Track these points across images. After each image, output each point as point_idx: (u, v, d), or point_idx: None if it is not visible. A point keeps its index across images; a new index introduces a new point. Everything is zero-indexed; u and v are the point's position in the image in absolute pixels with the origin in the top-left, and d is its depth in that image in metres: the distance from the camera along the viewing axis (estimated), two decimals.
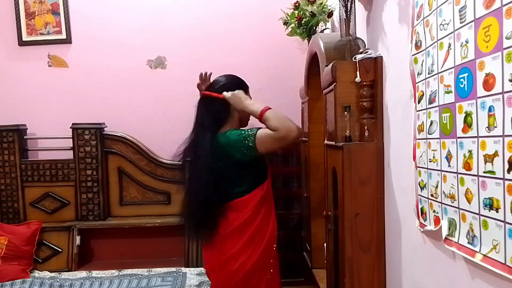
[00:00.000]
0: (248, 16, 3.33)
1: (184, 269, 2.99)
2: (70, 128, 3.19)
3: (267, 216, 1.92)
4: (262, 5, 3.29)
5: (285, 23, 2.78)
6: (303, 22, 2.61)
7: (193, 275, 2.88)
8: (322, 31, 2.59)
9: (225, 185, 1.93)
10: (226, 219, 1.89)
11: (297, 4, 2.68)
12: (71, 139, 3.20)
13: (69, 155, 3.24)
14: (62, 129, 3.24)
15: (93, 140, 3.19)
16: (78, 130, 3.19)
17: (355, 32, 1.77)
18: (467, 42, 1.01)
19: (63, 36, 3.33)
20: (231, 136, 1.85)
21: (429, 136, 1.24)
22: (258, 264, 1.87)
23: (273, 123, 1.76)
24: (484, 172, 0.95)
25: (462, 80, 1.03)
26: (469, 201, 1.02)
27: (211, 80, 2.12)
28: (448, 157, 1.12)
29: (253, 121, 2.13)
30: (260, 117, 1.82)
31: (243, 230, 1.88)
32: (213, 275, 1.98)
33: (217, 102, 1.95)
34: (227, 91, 1.94)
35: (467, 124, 1.02)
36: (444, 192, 1.15)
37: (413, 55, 1.34)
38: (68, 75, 3.38)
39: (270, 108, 1.83)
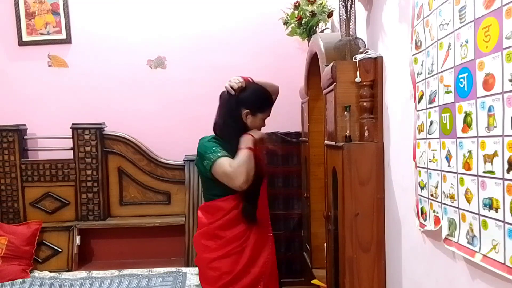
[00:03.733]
0: (248, 16, 3.33)
1: (184, 269, 2.99)
2: (70, 128, 3.19)
3: (245, 233, 1.93)
4: (262, 5, 3.29)
5: (285, 23, 2.77)
6: (303, 22, 2.61)
7: (193, 275, 2.88)
8: (322, 31, 2.59)
9: (203, 185, 2.04)
10: (201, 218, 2.00)
11: (297, 4, 2.67)
12: (71, 139, 3.21)
13: (69, 155, 3.25)
14: (62, 129, 3.24)
15: (93, 140, 3.19)
16: (78, 130, 3.19)
17: (355, 32, 1.77)
18: (467, 42, 1.01)
19: (63, 36, 3.34)
20: (201, 146, 1.94)
21: (429, 136, 1.24)
22: (244, 269, 1.93)
23: (235, 164, 1.82)
24: (484, 172, 0.95)
25: (461, 80, 1.03)
26: (468, 201, 1.02)
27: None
28: (448, 157, 1.12)
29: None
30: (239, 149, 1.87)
31: (216, 235, 1.94)
32: (198, 267, 2.08)
33: (234, 99, 1.99)
34: (249, 106, 1.97)
35: (467, 124, 1.02)
36: (444, 192, 1.15)
37: (413, 55, 1.34)
38: (68, 75, 3.38)
39: (249, 149, 1.87)
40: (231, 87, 1.95)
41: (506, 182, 0.87)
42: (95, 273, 2.99)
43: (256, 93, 2.00)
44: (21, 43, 3.34)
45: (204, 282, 2.03)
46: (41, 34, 3.34)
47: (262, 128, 2.10)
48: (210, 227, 1.95)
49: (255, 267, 1.95)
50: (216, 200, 1.93)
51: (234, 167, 1.80)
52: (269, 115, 2.08)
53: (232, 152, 1.89)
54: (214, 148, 1.87)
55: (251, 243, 1.93)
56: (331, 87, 1.73)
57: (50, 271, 3.04)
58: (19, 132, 3.22)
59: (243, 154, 1.84)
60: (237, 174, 1.79)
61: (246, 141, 1.89)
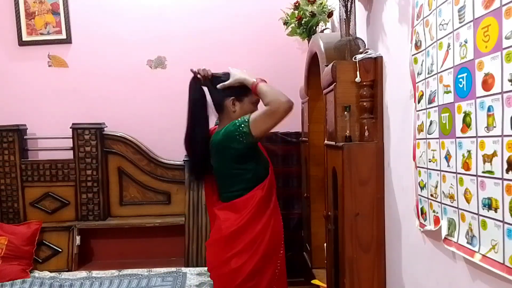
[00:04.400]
0: (248, 16, 3.33)
1: (184, 269, 2.99)
2: (70, 128, 3.19)
3: (269, 220, 1.90)
4: (262, 5, 3.29)
5: (285, 23, 2.78)
6: (303, 22, 2.61)
7: (193, 275, 2.88)
8: (322, 31, 2.59)
9: (224, 184, 1.96)
10: (228, 219, 1.90)
11: (297, 4, 2.68)
12: (71, 139, 3.21)
13: (69, 155, 3.25)
14: (62, 129, 3.25)
15: (93, 140, 3.20)
16: (78, 130, 3.19)
17: (355, 32, 1.77)
18: (466, 42, 1.01)
19: (63, 36, 3.34)
20: (228, 128, 1.86)
21: (428, 136, 1.24)
22: (257, 267, 1.87)
23: (266, 97, 1.78)
24: (483, 172, 0.95)
25: (461, 80, 1.03)
26: (468, 201, 1.02)
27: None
28: (447, 157, 1.12)
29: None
30: (254, 89, 1.83)
31: (244, 231, 1.86)
32: (214, 273, 1.98)
33: (216, 92, 1.97)
34: (232, 92, 1.94)
35: (466, 124, 1.02)
36: (443, 192, 1.15)
37: (413, 55, 1.34)
38: (68, 75, 3.38)
39: (264, 81, 1.85)
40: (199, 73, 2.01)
41: (506, 182, 0.87)
42: (95, 273, 2.99)
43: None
44: (21, 43, 3.34)
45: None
46: (41, 34, 3.34)
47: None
48: (240, 225, 1.87)
49: (270, 263, 1.89)
50: (244, 196, 1.88)
51: (267, 103, 1.76)
52: (258, 99, 1.99)
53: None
54: (238, 121, 1.82)
55: (268, 232, 1.88)
56: (331, 87, 1.73)
57: (50, 271, 3.04)
58: (19, 132, 3.22)
59: (263, 87, 1.80)
60: (276, 103, 1.74)
61: (248, 78, 1.87)
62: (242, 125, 1.80)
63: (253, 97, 1.96)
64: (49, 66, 3.39)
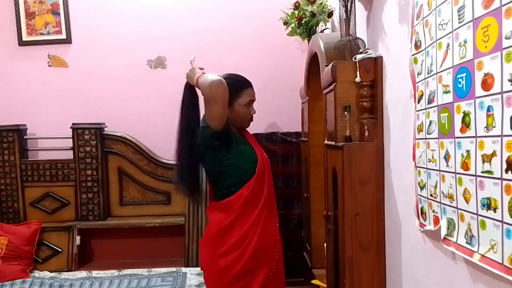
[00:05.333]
0: (248, 16, 3.33)
1: (184, 269, 3.00)
2: (70, 128, 3.19)
3: (258, 220, 1.90)
4: (262, 5, 3.29)
5: (285, 23, 2.78)
6: (303, 22, 2.62)
7: (193, 275, 2.88)
8: (322, 31, 2.59)
9: (215, 183, 1.99)
10: (216, 219, 1.93)
11: (297, 4, 2.68)
12: (71, 139, 3.21)
13: (69, 155, 3.25)
14: (62, 129, 3.25)
15: (93, 140, 3.20)
16: (78, 130, 3.19)
17: (355, 32, 1.77)
18: (465, 42, 1.01)
19: (63, 36, 3.34)
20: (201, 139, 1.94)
21: (428, 136, 1.24)
22: (248, 267, 1.87)
23: (202, 88, 1.84)
24: (482, 172, 0.95)
25: (460, 80, 1.03)
26: (467, 201, 1.02)
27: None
28: (446, 157, 1.12)
29: (253, 124, 2.13)
30: (198, 86, 1.89)
31: (231, 230, 1.89)
32: (205, 273, 2.01)
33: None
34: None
35: (465, 124, 1.02)
36: (443, 192, 1.15)
37: (413, 55, 1.34)
38: (68, 75, 3.38)
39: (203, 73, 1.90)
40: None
41: (505, 182, 0.87)
42: (95, 273, 3.00)
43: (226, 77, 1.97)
44: (21, 43, 3.34)
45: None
46: (41, 34, 3.34)
47: (253, 116, 2.06)
48: (226, 224, 1.89)
49: (262, 264, 1.90)
50: (231, 196, 1.90)
51: (202, 94, 1.83)
52: (252, 99, 2.02)
53: (235, 141, 1.91)
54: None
55: (257, 232, 1.89)
56: (331, 87, 1.73)
57: (50, 271, 3.04)
58: (19, 132, 3.22)
59: (200, 81, 1.85)
60: (206, 91, 1.81)
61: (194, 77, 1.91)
62: (202, 123, 1.90)
63: (243, 99, 1.98)
64: (49, 66, 3.39)
